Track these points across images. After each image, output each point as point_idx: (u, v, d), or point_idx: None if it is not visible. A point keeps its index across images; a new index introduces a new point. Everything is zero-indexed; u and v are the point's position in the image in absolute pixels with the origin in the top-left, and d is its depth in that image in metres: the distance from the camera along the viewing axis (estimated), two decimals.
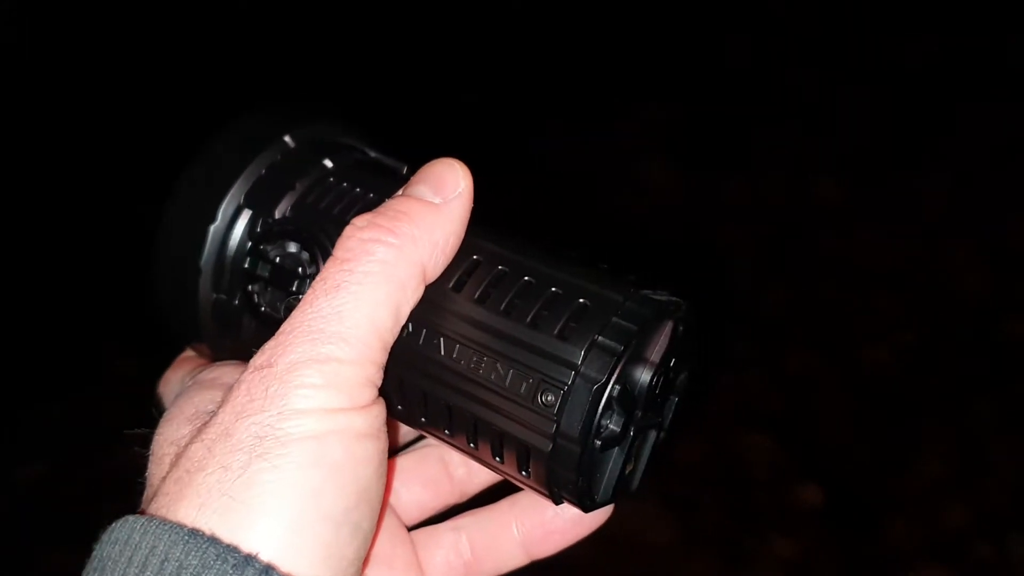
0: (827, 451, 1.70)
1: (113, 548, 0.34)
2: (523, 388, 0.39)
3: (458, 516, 0.49)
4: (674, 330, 0.41)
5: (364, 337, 0.37)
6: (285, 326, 0.38)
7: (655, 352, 0.40)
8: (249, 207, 0.45)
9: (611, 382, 0.38)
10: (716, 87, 2.56)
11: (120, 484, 0.43)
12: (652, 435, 0.44)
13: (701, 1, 2.88)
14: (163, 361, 0.49)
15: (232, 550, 0.33)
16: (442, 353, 0.40)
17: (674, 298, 0.41)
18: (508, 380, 0.39)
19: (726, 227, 2.13)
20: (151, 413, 0.43)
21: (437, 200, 0.41)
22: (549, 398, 0.38)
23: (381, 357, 0.38)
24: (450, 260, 0.41)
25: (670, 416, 0.44)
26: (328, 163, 0.46)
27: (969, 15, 2.67)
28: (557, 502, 0.41)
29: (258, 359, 0.37)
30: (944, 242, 2.07)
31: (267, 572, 0.33)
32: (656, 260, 2.05)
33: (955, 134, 2.34)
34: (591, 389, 0.37)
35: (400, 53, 2.67)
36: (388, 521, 0.47)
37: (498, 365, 0.39)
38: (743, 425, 1.75)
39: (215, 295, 0.45)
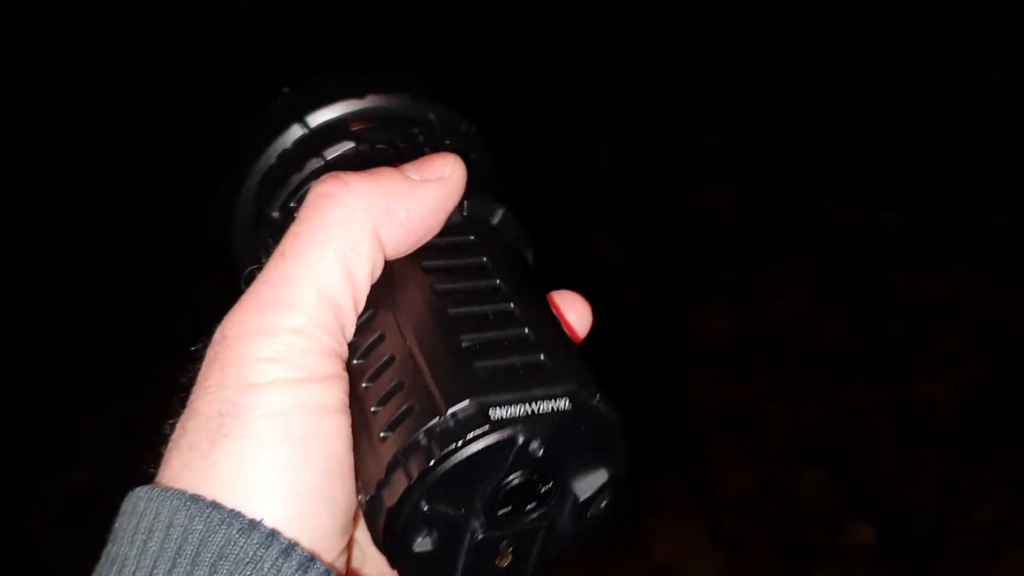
0: (882, 489, 1.67)
1: (123, 519, 0.35)
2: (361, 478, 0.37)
3: None
4: (525, 445, 0.35)
5: (313, 304, 0.36)
6: (241, 297, 0.37)
7: (501, 466, 0.35)
8: (256, 203, 0.45)
9: (405, 506, 0.34)
10: (780, 115, 2.55)
11: None
12: (541, 535, 0.38)
13: (768, 34, 2.88)
14: None
15: (236, 515, 0.33)
16: None
17: (540, 411, 0.35)
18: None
19: (786, 256, 2.11)
20: None
21: (416, 177, 0.39)
22: (361, 498, 0.36)
23: (334, 323, 0.37)
24: (415, 242, 0.39)
25: (592, 507, 0.38)
26: (325, 156, 0.44)
27: None
28: None
29: (216, 333, 0.37)
30: (1011, 278, 2.02)
31: (272, 536, 0.33)
32: (711, 286, 2.03)
33: None
34: (385, 509, 0.35)
35: (448, 68, 2.68)
36: None
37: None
38: (797, 459, 1.72)
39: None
